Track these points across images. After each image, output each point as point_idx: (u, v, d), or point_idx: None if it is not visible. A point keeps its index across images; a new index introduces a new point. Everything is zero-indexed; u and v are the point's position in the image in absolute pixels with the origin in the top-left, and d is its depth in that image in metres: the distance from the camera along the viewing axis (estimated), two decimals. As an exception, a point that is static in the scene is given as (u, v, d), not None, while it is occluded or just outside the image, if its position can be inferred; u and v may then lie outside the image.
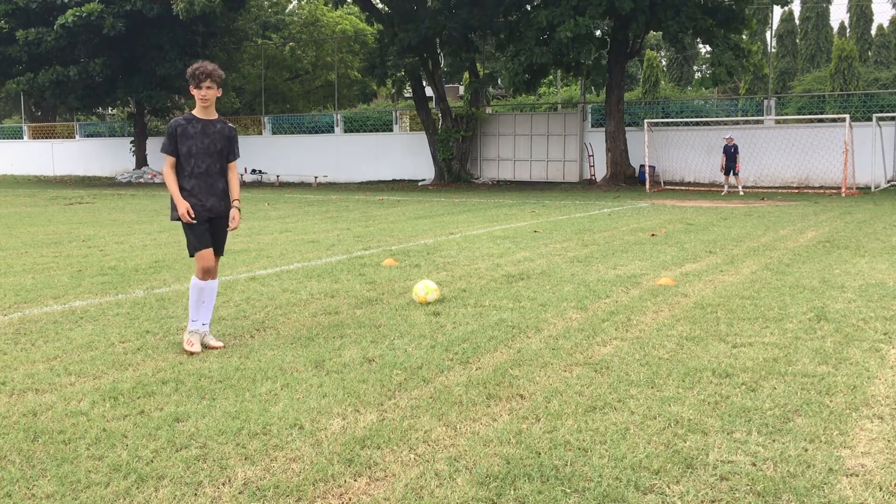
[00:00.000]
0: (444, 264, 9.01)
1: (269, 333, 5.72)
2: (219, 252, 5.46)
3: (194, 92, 5.16)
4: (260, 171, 34.37)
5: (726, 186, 23.32)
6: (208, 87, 5.13)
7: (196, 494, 3.13)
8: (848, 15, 45.53)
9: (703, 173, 26.79)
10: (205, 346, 5.25)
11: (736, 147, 22.78)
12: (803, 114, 28.19)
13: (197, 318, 5.30)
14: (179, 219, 5.21)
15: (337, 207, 18.67)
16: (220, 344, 5.30)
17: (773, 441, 3.59)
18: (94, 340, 5.49)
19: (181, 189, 5.24)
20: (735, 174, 22.87)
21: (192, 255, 5.32)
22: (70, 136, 41.86)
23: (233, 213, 5.37)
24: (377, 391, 4.34)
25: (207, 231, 5.30)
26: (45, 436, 3.71)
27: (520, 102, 37.51)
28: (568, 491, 3.11)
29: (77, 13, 28.32)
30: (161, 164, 27.43)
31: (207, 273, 5.29)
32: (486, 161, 30.89)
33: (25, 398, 4.27)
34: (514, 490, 3.13)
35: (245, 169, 34.73)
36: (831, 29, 44.44)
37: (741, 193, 22.29)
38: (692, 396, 4.21)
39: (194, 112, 5.26)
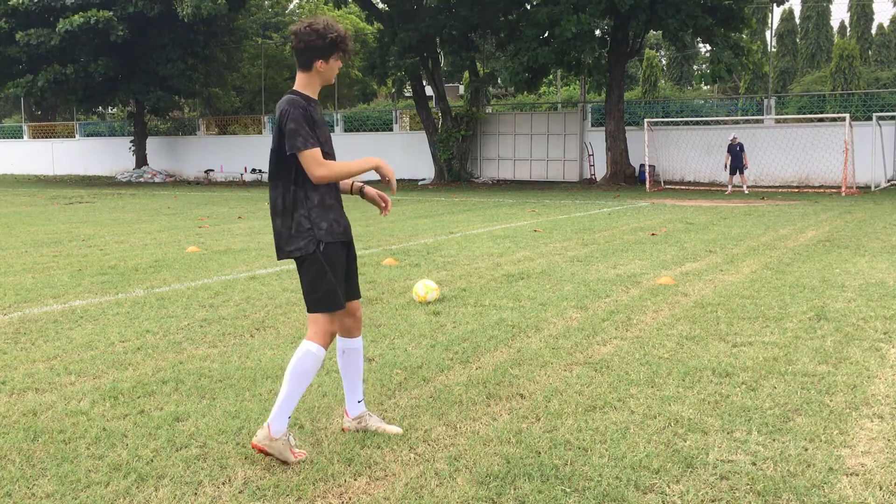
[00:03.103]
0: (444, 264, 9.01)
1: (269, 333, 5.72)
2: (358, 293, 3.79)
3: (324, 66, 3.55)
4: (260, 171, 34.35)
5: (730, 186, 23.28)
6: (337, 60, 3.61)
7: (196, 494, 3.13)
8: (848, 14, 45.54)
9: (703, 173, 26.78)
10: (367, 430, 3.75)
11: (741, 145, 22.72)
12: (803, 113, 28.19)
13: (291, 409, 3.51)
14: (322, 250, 3.50)
15: (337, 207, 18.64)
16: (397, 430, 3.75)
17: (773, 440, 3.59)
18: (93, 340, 5.49)
19: (318, 206, 3.54)
20: (741, 172, 22.79)
21: (319, 311, 3.53)
22: (70, 135, 41.86)
23: (373, 191, 3.82)
24: (377, 390, 4.34)
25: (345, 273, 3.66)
26: (45, 435, 3.71)
27: (520, 102, 37.51)
28: (568, 490, 3.11)
29: (84, 17, 28.26)
30: (160, 164, 26.91)
31: (333, 336, 3.61)
32: (486, 160, 30.89)
33: (25, 397, 4.27)
34: (514, 489, 3.13)
35: (245, 168, 34.76)
36: (832, 28, 44.43)
37: (746, 192, 22.20)
38: (692, 396, 4.21)
39: (306, 91, 3.57)
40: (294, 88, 3.57)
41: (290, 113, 3.42)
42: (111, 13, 28.50)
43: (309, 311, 3.56)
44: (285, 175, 3.52)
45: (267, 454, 3.37)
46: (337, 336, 3.72)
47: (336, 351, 3.78)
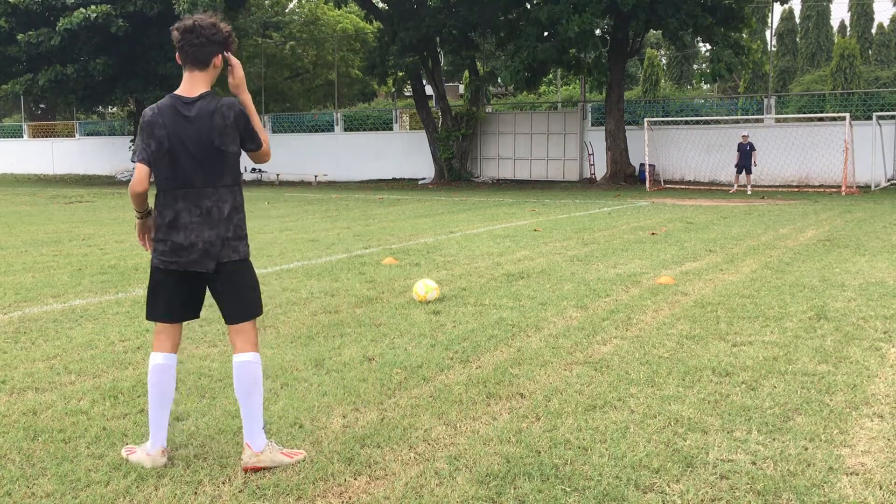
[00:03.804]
0: (444, 263, 9.01)
1: (269, 332, 5.71)
2: None
3: (220, 62, 3.43)
4: (260, 170, 34.37)
5: (735, 185, 23.28)
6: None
7: (196, 493, 3.13)
8: (849, 14, 45.52)
9: (703, 172, 26.77)
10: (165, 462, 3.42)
11: (751, 145, 22.63)
12: (803, 112, 28.18)
13: (262, 420, 3.43)
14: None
15: (337, 206, 18.66)
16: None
17: (773, 440, 3.59)
18: (93, 339, 5.49)
19: (245, 213, 3.63)
20: (748, 172, 22.73)
21: (257, 315, 3.50)
22: (70, 134, 41.84)
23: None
24: (377, 390, 4.34)
25: None
26: (45, 434, 3.71)
27: (520, 101, 37.50)
28: (568, 490, 3.11)
29: (84, 14, 28.26)
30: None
31: None
32: (486, 160, 30.88)
33: (25, 397, 4.27)
34: (514, 489, 3.12)
35: (245, 167, 34.79)
36: (832, 28, 44.42)
37: (749, 193, 22.12)
38: (692, 395, 4.21)
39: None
40: (205, 91, 3.36)
41: (244, 113, 3.38)
42: (109, 7, 28.50)
43: (250, 317, 3.42)
44: (230, 180, 3.43)
45: (261, 469, 3.30)
46: (164, 353, 3.44)
47: (161, 367, 3.42)
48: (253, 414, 3.38)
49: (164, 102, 3.37)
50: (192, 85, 3.36)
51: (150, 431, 3.43)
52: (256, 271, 3.63)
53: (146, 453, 3.38)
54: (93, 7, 28.42)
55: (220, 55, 3.39)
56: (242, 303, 3.42)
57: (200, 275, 3.38)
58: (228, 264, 3.38)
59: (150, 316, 3.48)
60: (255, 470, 3.29)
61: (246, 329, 3.42)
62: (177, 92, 3.38)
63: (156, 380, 3.41)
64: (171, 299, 3.43)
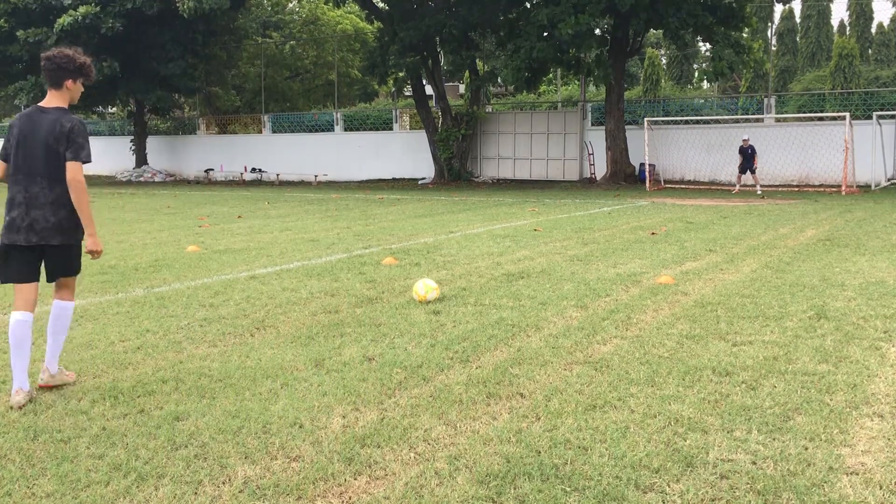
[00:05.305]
0: (444, 263, 9.01)
1: (269, 332, 5.72)
2: None
3: (73, 86, 4.28)
4: (260, 170, 34.38)
5: (738, 185, 23.31)
6: (80, 83, 4.39)
7: (196, 493, 3.13)
8: (848, 13, 45.52)
9: (703, 172, 26.77)
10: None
11: (752, 148, 22.78)
12: (803, 112, 28.17)
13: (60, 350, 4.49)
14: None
15: (337, 206, 18.66)
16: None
17: (774, 439, 3.59)
18: (93, 339, 5.49)
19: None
20: (752, 172, 22.81)
21: (76, 274, 4.51)
22: (70, 134, 41.77)
23: None
24: (377, 390, 4.34)
25: None
26: (45, 434, 3.71)
27: (520, 101, 37.49)
28: (568, 489, 3.11)
29: (73, 16, 28.25)
30: (160, 164, 27.02)
31: None
32: (486, 160, 30.89)
33: (25, 397, 4.27)
34: (514, 489, 3.13)
35: (245, 167, 34.78)
36: (832, 27, 44.40)
37: (758, 193, 22.02)
38: (692, 395, 4.21)
39: (64, 107, 4.31)
40: (58, 106, 4.24)
41: (81, 129, 4.21)
42: (98, 7, 28.46)
43: (73, 274, 4.40)
44: (62, 176, 4.18)
45: (53, 387, 4.25)
46: (21, 311, 4.30)
47: (19, 322, 4.27)
48: (60, 347, 4.38)
49: (26, 111, 4.28)
50: (51, 99, 4.25)
51: (11, 376, 4.22)
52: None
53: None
54: (81, 8, 28.37)
55: (73, 80, 4.25)
56: (69, 269, 4.38)
57: (32, 246, 4.20)
58: (75, 244, 4.31)
59: (2, 279, 4.34)
60: (49, 387, 4.16)
61: (70, 282, 4.43)
62: (40, 103, 4.28)
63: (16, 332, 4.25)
64: (14, 266, 4.25)
